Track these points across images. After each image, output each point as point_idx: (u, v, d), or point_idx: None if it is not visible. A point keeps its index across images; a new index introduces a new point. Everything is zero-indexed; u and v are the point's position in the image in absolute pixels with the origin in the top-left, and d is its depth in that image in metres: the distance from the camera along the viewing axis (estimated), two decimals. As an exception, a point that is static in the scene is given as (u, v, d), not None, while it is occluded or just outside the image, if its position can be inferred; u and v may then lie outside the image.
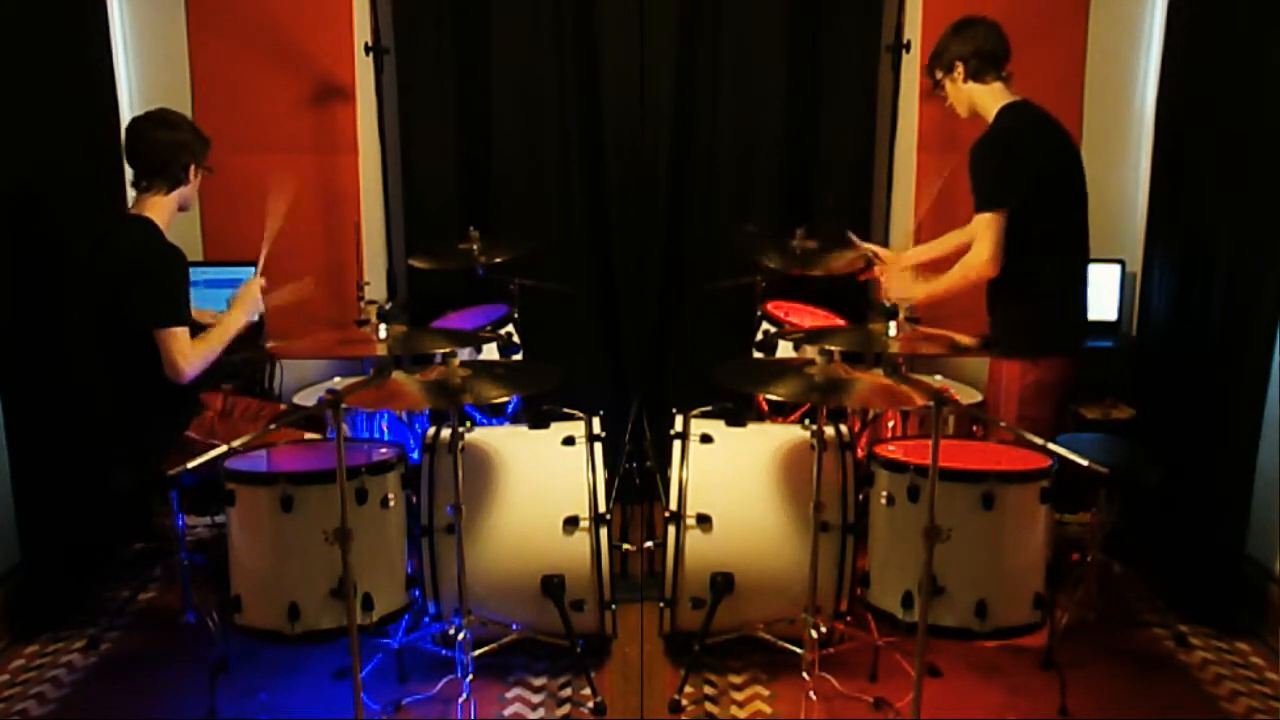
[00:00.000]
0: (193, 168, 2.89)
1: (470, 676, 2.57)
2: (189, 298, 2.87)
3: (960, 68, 2.98)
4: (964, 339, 2.83)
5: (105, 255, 2.85)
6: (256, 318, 2.99)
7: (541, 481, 2.81)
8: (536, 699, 2.75)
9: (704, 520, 2.76)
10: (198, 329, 2.85)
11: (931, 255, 3.33)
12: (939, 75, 3.02)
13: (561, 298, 3.86)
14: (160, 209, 2.87)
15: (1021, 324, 2.95)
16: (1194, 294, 3.23)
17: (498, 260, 3.49)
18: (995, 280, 2.97)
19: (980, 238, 2.85)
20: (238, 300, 2.97)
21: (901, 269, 3.24)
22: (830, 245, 3.52)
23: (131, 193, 2.94)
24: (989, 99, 2.96)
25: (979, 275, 2.88)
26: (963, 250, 3.26)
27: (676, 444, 2.85)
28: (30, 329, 3.05)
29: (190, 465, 2.02)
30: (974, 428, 3.11)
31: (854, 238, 3.44)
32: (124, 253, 2.82)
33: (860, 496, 2.69)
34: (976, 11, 3.02)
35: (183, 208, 2.95)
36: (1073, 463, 2.10)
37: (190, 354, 2.77)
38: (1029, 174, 2.84)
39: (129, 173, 2.94)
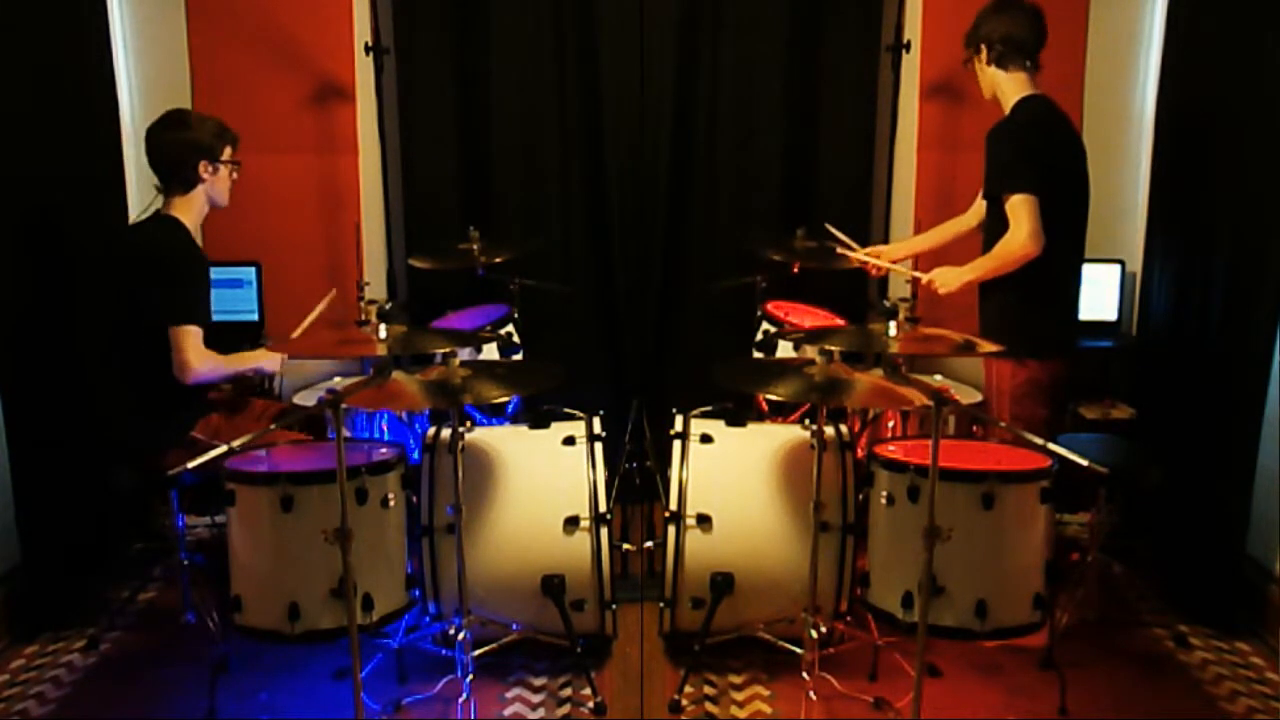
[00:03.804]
0: (204, 164, 2.88)
1: (470, 676, 2.57)
2: (209, 300, 2.88)
3: (985, 51, 2.96)
4: (967, 339, 2.83)
5: (126, 254, 2.90)
6: (274, 371, 3.08)
7: (541, 481, 2.81)
8: (536, 699, 2.75)
9: (704, 520, 2.76)
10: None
11: (925, 247, 3.33)
12: (969, 52, 3.01)
13: (561, 298, 3.86)
14: (185, 208, 2.90)
15: (1013, 324, 2.94)
16: (1194, 294, 3.23)
17: (498, 260, 3.49)
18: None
19: (1016, 219, 2.81)
20: (264, 354, 3.03)
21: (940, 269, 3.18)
22: (830, 244, 3.53)
23: (132, 193, 2.95)
24: (1010, 87, 2.94)
25: (1022, 255, 2.82)
26: (959, 237, 3.27)
27: (676, 444, 2.85)
28: (30, 329, 3.05)
29: (191, 465, 2.02)
30: (974, 428, 3.11)
31: (832, 229, 3.44)
32: (144, 252, 2.87)
33: (860, 496, 2.69)
34: (977, 11, 3.02)
35: (214, 203, 2.96)
36: (1073, 463, 2.10)
37: (203, 356, 2.81)
38: (1040, 170, 2.83)
39: (130, 172, 2.95)
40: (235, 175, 2.98)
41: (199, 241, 2.95)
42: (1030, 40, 2.92)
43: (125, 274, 2.87)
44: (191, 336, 2.78)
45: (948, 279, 2.99)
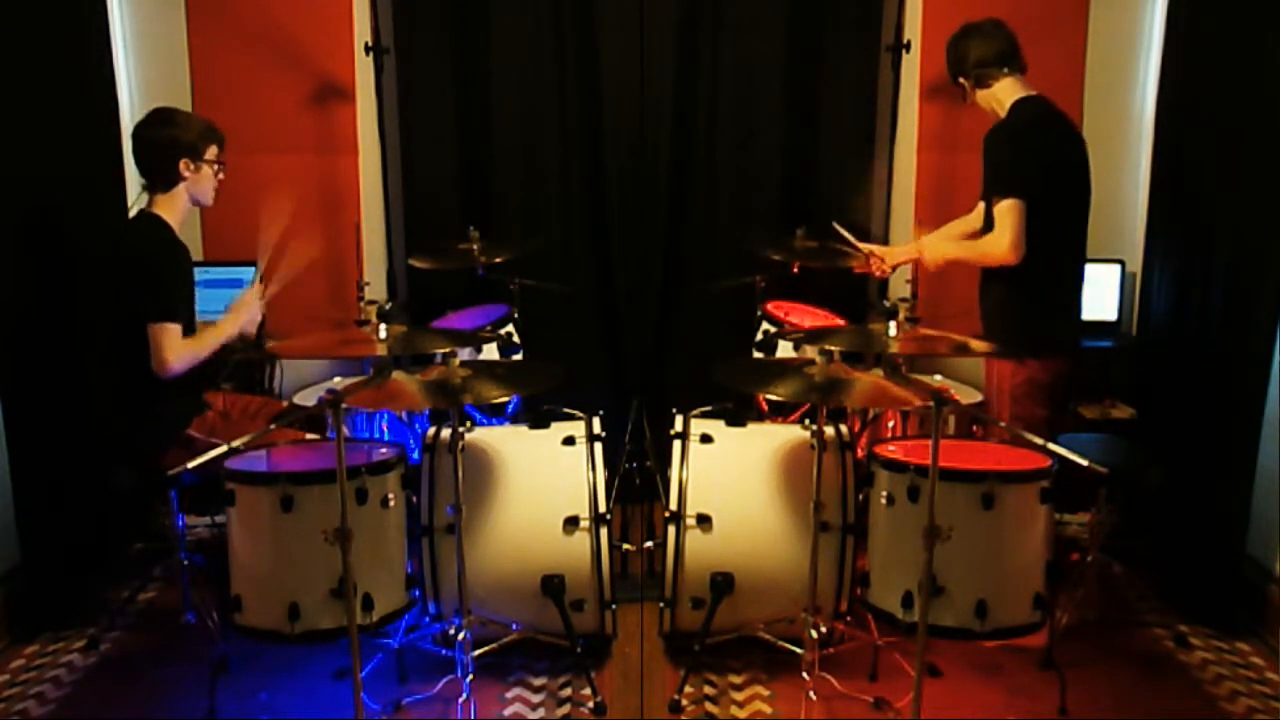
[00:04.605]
0: (185, 162, 2.87)
1: (470, 676, 2.57)
2: (190, 295, 2.89)
3: (965, 83, 3.00)
4: (967, 340, 2.83)
5: (114, 253, 2.91)
6: (256, 325, 3.02)
7: (541, 481, 2.81)
8: (536, 699, 2.75)
9: (704, 520, 2.76)
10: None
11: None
12: (959, 89, 3.07)
13: (561, 298, 3.86)
14: (167, 206, 2.90)
15: (1013, 322, 2.95)
16: (1194, 294, 3.23)
17: (498, 260, 3.49)
18: (991, 275, 2.97)
19: (1001, 224, 2.83)
20: (235, 306, 3.00)
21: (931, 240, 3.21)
22: (831, 244, 3.53)
23: (132, 193, 2.96)
24: (1002, 96, 2.96)
25: (999, 259, 2.84)
26: (963, 239, 3.27)
27: (676, 444, 2.85)
28: (30, 329, 3.05)
29: (191, 465, 2.02)
30: (974, 428, 3.11)
31: (840, 229, 3.44)
32: (128, 249, 2.88)
33: (860, 496, 2.69)
34: (977, 12, 3.02)
35: (197, 202, 2.96)
36: (1073, 463, 2.10)
37: (179, 349, 2.79)
38: (1037, 170, 2.84)
39: (130, 172, 2.96)
40: (221, 175, 2.97)
41: (189, 238, 2.95)
42: (998, 53, 2.95)
43: (113, 272, 2.89)
44: (168, 334, 2.77)
45: (936, 250, 3.06)
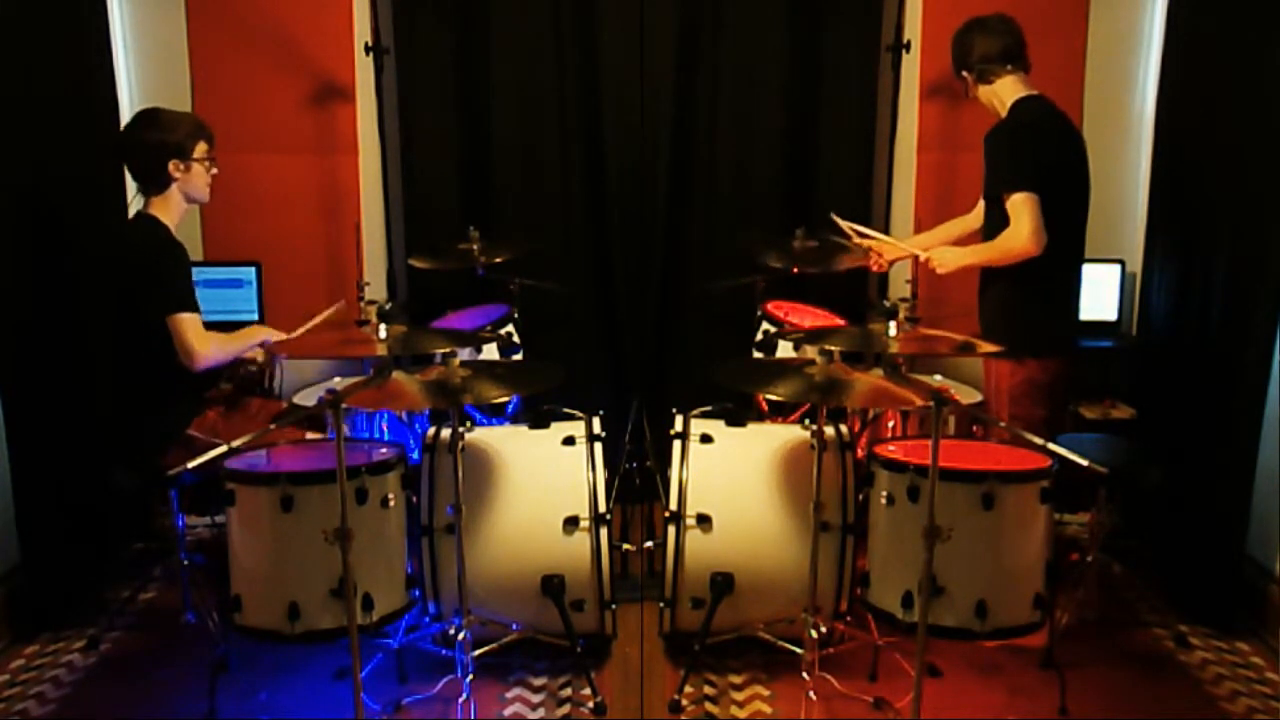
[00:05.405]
0: (174, 163, 2.87)
1: (470, 676, 2.57)
2: (194, 291, 2.89)
3: (968, 77, 3.00)
4: (967, 339, 2.83)
5: (113, 254, 2.92)
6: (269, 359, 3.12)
7: (541, 481, 2.81)
8: (536, 699, 2.75)
9: (704, 520, 2.76)
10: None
11: (927, 245, 3.34)
12: (961, 83, 3.08)
13: (561, 298, 3.86)
14: (163, 207, 2.91)
15: (1011, 322, 2.95)
16: (1194, 294, 3.23)
17: (498, 260, 3.49)
18: (990, 275, 2.97)
19: (1018, 217, 2.83)
20: (263, 329, 3.06)
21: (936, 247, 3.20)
22: (830, 244, 3.52)
23: (132, 193, 2.97)
24: (1004, 93, 2.98)
25: (1022, 252, 2.84)
26: (962, 238, 3.27)
27: (676, 444, 2.85)
28: (30, 330, 3.05)
29: (191, 465, 2.02)
30: (974, 428, 3.11)
31: (838, 220, 3.44)
32: (129, 250, 2.89)
33: (860, 496, 2.69)
34: (977, 12, 3.03)
35: (192, 199, 2.96)
36: (1073, 463, 2.10)
37: (206, 339, 2.82)
38: (1038, 169, 2.84)
39: (129, 173, 2.97)
40: (214, 170, 2.97)
41: (189, 239, 2.96)
42: (1003, 49, 2.95)
43: (113, 274, 2.89)
44: (190, 323, 2.79)
45: (946, 259, 3.03)
